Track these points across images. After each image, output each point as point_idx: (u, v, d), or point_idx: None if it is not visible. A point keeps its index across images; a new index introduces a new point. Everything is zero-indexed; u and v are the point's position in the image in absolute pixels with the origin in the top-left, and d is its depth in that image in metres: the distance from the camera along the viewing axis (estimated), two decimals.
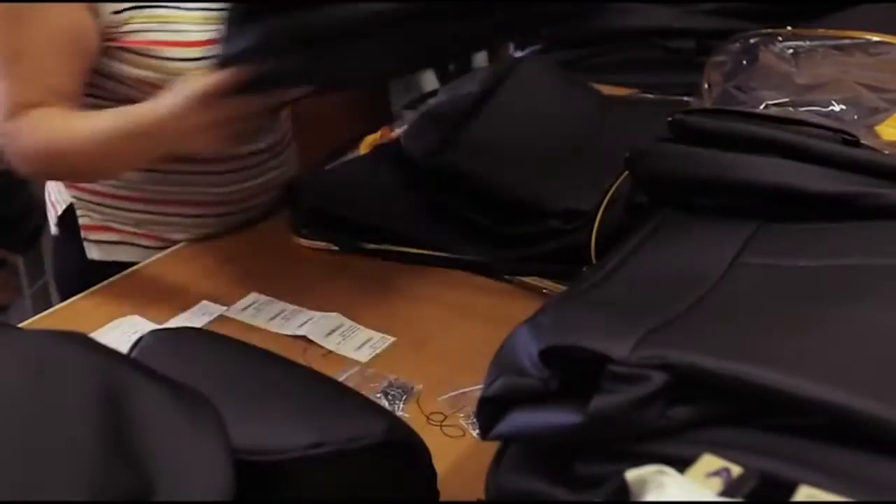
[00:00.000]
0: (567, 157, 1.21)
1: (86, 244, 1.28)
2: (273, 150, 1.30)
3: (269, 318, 1.08)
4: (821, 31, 1.47)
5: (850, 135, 0.82)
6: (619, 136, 1.28)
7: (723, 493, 0.47)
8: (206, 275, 1.18)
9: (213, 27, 1.03)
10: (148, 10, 1.13)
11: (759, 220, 0.76)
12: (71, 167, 1.14)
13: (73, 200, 1.28)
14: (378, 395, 0.92)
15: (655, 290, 0.66)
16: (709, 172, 0.79)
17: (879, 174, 0.76)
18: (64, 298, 1.18)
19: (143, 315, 1.08)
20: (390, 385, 0.94)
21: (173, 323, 1.07)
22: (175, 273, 1.20)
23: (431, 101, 1.41)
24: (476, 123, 1.24)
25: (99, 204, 1.26)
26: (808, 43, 1.42)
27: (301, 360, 1.00)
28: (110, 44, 1.13)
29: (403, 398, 0.93)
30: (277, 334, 1.05)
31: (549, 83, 1.40)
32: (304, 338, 1.04)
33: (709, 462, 0.49)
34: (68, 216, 1.29)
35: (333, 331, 1.05)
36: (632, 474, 0.49)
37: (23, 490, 0.52)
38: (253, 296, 1.12)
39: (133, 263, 1.22)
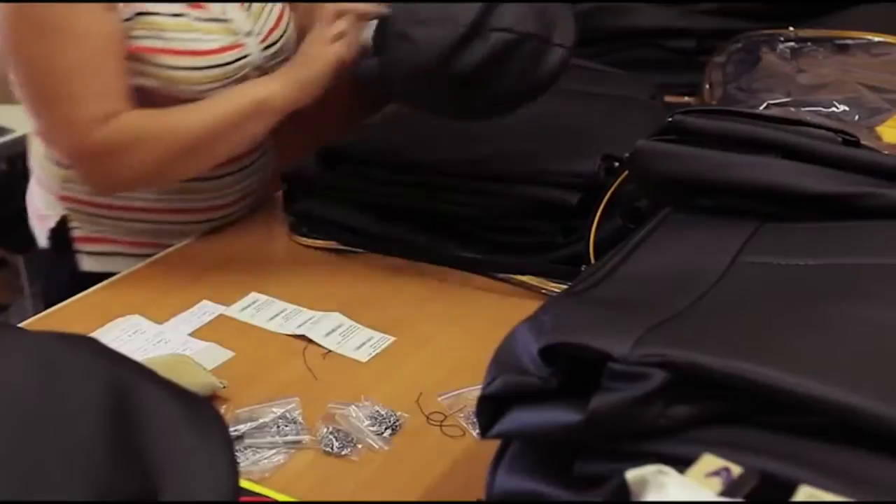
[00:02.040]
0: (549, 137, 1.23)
1: (78, 256, 1.27)
2: (252, 156, 1.31)
3: (269, 317, 1.08)
4: (822, 31, 1.47)
5: (850, 135, 0.82)
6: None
7: (723, 493, 0.47)
8: (206, 275, 1.18)
9: (207, 37, 1.12)
10: (147, 17, 1.12)
11: (760, 220, 0.76)
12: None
13: (66, 213, 1.26)
14: (366, 424, 0.89)
15: (656, 289, 0.66)
16: (709, 172, 0.79)
17: (879, 174, 0.76)
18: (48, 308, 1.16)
19: (143, 315, 1.08)
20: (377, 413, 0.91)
21: (173, 323, 1.07)
22: (175, 273, 1.20)
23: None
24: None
25: (95, 215, 1.25)
26: (809, 43, 1.42)
27: (301, 360, 1.00)
28: None
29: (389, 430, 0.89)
30: (277, 334, 1.05)
31: None
32: (303, 337, 1.04)
33: (709, 462, 0.49)
34: (60, 229, 1.27)
35: (333, 330, 1.05)
36: (632, 474, 0.49)
37: (29, 490, 0.52)
38: (253, 295, 1.12)
39: None
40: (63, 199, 1.26)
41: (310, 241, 1.23)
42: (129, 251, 1.26)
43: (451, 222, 1.19)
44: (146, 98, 1.13)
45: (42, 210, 1.30)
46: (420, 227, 1.19)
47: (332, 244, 1.22)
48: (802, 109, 1.21)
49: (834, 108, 1.21)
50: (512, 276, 1.13)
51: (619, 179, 0.99)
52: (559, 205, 1.11)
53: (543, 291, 1.10)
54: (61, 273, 1.27)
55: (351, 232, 1.21)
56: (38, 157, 1.29)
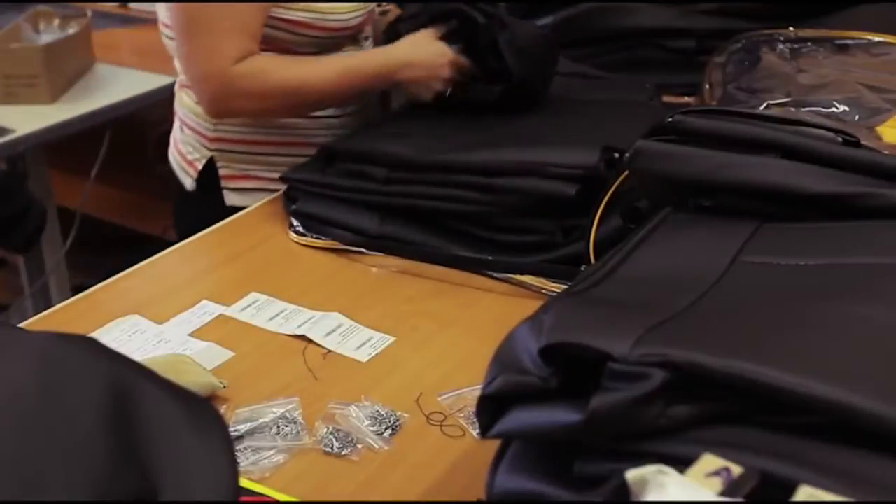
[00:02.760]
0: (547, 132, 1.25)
1: (225, 192, 1.45)
2: (370, 96, 1.54)
3: (269, 317, 1.08)
4: (822, 31, 1.46)
5: (849, 135, 0.82)
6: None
7: (723, 493, 0.47)
8: (206, 275, 1.18)
9: None
10: None
11: (759, 220, 0.76)
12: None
13: (215, 154, 1.44)
14: (366, 424, 0.89)
15: (656, 289, 0.66)
16: (709, 173, 0.79)
17: (879, 174, 0.76)
18: None
19: (143, 315, 1.08)
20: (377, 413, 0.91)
21: (173, 323, 1.07)
22: (175, 273, 1.20)
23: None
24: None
25: (241, 153, 1.43)
26: (809, 43, 1.42)
27: (301, 360, 1.00)
28: None
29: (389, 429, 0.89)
30: (277, 334, 1.05)
31: None
32: (303, 337, 1.04)
33: (709, 462, 0.49)
34: (207, 171, 1.45)
35: (333, 330, 1.05)
36: (632, 474, 0.49)
37: (28, 490, 0.52)
38: (253, 295, 1.12)
39: None
40: (214, 140, 1.43)
41: (310, 241, 1.23)
42: (266, 186, 1.42)
43: (450, 222, 1.19)
44: (295, 32, 1.34)
45: (189, 156, 1.47)
46: (420, 226, 1.19)
47: (332, 244, 1.22)
48: (802, 109, 1.21)
49: (834, 108, 1.21)
50: (512, 276, 1.13)
51: (620, 178, 0.99)
52: (557, 197, 1.10)
53: (543, 291, 1.10)
54: (207, 211, 1.39)
55: (351, 232, 1.21)
56: (190, 107, 1.45)
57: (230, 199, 1.45)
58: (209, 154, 1.44)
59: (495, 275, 1.14)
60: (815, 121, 0.97)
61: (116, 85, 2.20)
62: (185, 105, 1.47)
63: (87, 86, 2.19)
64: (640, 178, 0.87)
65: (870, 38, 1.41)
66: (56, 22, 2.24)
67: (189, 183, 1.48)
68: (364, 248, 1.20)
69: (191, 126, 1.46)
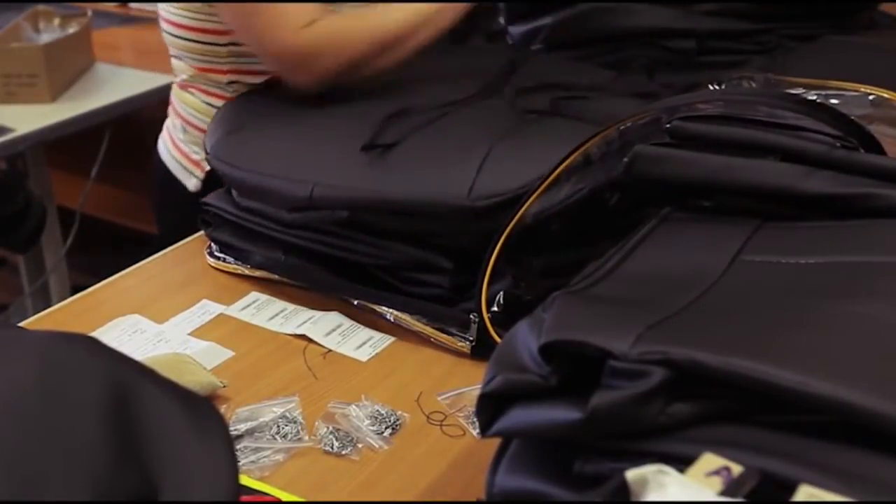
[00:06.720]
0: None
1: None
2: None
3: (269, 317, 1.08)
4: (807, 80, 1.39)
5: (849, 140, 0.82)
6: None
7: (723, 493, 0.47)
8: (206, 274, 1.18)
9: None
10: None
11: (760, 219, 0.76)
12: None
13: None
14: (366, 423, 0.89)
15: (656, 287, 0.66)
16: (710, 175, 0.79)
17: (879, 176, 0.76)
18: None
19: (143, 315, 1.08)
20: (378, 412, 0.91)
21: (173, 322, 1.07)
22: (175, 272, 1.20)
23: None
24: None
25: None
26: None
27: (301, 360, 1.00)
28: None
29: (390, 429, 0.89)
30: (277, 333, 1.05)
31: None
32: (304, 337, 1.04)
33: (709, 461, 0.49)
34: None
35: (333, 330, 1.05)
36: (632, 474, 0.49)
37: (28, 490, 0.52)
38: (253, 295, 1.12)
39: None
40: None
41: (224, 266, 1.18)
42: None
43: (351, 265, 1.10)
44: None
45: (195, 156, 1.44)
46: (325, 265, 1.12)
47: (244, 270, 1.16)
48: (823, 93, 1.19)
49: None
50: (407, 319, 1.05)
51: (506, 232, 0.91)
52: (434, 266, 1.03)
53: (433, 340, 1.03)
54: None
55: (263, 258, 1.15)
56: (196, 107, 1.43)
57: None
58: None
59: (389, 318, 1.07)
60: (815, 126, 0.96)
61: (116, 84, 2.20)
62: (191, 105, 1.45)
63: (87, 85, 2.19)
64: (640, 181, 0.87)
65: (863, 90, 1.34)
66: (56, 21, 2.24)
67: (193, 184, 1.44)
68: (276, 273, 1.14)
69: (197, 126, 1.44)
